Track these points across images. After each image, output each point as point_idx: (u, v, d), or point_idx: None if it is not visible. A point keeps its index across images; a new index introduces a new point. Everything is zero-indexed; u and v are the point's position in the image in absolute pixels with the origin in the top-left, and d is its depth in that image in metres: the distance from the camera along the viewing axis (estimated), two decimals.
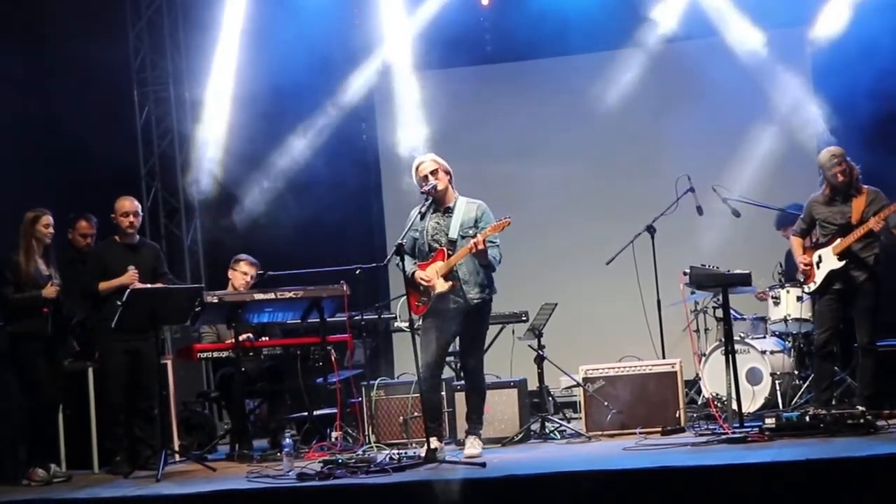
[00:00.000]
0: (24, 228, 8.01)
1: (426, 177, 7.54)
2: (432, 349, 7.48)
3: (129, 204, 8.39)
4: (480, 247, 7.28)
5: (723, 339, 8.36)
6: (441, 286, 7.44)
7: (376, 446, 8.29)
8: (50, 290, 7.94)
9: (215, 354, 8.69)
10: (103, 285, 8.22)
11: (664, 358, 8.77)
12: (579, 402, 8.73)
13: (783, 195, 9.73)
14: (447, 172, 7.61)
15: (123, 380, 8.22)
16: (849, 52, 10.41)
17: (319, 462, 7.31)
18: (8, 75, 9.78)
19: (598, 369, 8.50)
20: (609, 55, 11.41)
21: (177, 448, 8.82)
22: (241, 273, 9.15)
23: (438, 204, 7.61)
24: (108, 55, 11.20)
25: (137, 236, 8.55)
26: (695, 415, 8.79)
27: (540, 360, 8.77)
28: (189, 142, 11.95)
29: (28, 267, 7.95)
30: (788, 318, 9.21)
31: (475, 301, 7.50)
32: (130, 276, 8.18)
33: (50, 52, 10.32)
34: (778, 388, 9.03)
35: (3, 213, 8.41)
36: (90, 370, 8.49)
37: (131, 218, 8.35)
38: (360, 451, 7.96)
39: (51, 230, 8.04)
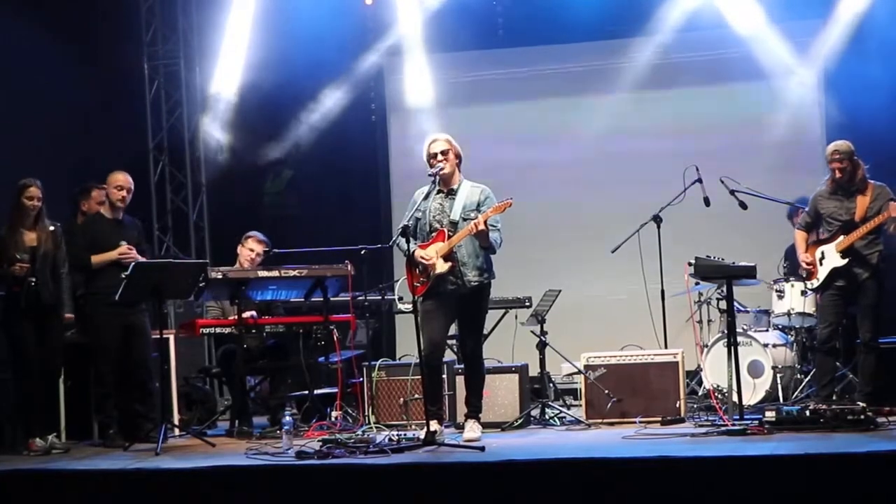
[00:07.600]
0: (13, 198, 7.93)
1: (436, 155, 7.54)
2: (432, 331, 7.47)
3: (123, 178, 8.23)
4: (481, 227, 7.27)
5: (725, 331, 8.35)
6: (440, 267, 7.43)
7: (376, 427, 8.29)
8: (16, 269, 7.79)
9: (218, 330, 8.71)
10: (95, 259, 8.12)
11: (666, 348, 8.75)
12: (580, 390, 8.73)
13: (791, 189, 9.70)
14: (457, 156, 7.62)
15: (115, 353, 8.15)
16: (861, 46, 10.37)
17: (318, 441, 7.32)
18: (15, 46, 9.75)
19: (599, 357, 8.49)
20: (620, 43, 11.39)
21: (177, 422, 8.83)
22: (248, 249, 9.10)
23: (443, 185, 7.61)
24: (118, 28, 11.19)
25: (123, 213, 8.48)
26: (695, 405, 8.78)
27: (542, 346, 8.76)
28: (198, 117, 11.94)
29: (9, 240, 7.85)
30: (792, 311, 9.19)
31: (472, 284, 7.50)
32: (121, 251, 8.10)
33: (59, 24, 10.28)
34: (779, 381, 9.02)
35: (10, 186, 8.36)
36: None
37: (124, 192, 8.20)
38: (359, 432, 7.96)
39: (35, 202, 7.88)
